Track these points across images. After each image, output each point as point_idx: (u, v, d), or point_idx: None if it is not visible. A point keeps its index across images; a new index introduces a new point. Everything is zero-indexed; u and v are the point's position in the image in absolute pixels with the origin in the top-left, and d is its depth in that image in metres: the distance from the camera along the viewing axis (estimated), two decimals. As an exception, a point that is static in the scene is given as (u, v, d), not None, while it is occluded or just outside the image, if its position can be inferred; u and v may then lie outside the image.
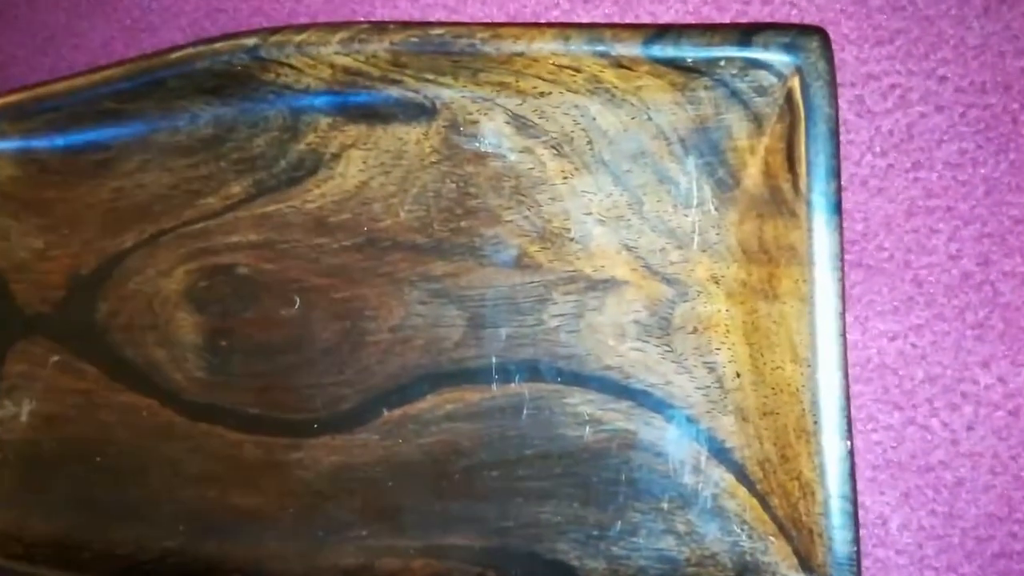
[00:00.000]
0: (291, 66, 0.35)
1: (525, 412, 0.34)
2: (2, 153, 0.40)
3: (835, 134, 0.28)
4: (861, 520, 0.32)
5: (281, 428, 0.37)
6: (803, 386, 0.29)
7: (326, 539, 0.36)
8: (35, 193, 0.41)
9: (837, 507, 0.29)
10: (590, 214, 0.34)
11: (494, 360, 0.35)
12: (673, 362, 0.33)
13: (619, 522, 0.33)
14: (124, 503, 0.39)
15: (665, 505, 0.32)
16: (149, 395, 0.39)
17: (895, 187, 0.31)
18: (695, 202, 0.32)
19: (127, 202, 0.39)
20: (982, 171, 0.30)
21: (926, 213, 0.31)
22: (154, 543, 0.38)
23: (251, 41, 0.34)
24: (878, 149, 0.32)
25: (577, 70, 0.32)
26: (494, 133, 0.34)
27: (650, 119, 0.32)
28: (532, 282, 0.34)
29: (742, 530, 0.31)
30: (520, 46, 0.32)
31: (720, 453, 0.32)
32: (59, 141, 0.39)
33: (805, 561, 0.30)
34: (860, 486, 0.31)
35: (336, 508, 0.36)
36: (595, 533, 0.33)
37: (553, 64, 0.32)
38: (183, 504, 0.38)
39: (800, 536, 0.30)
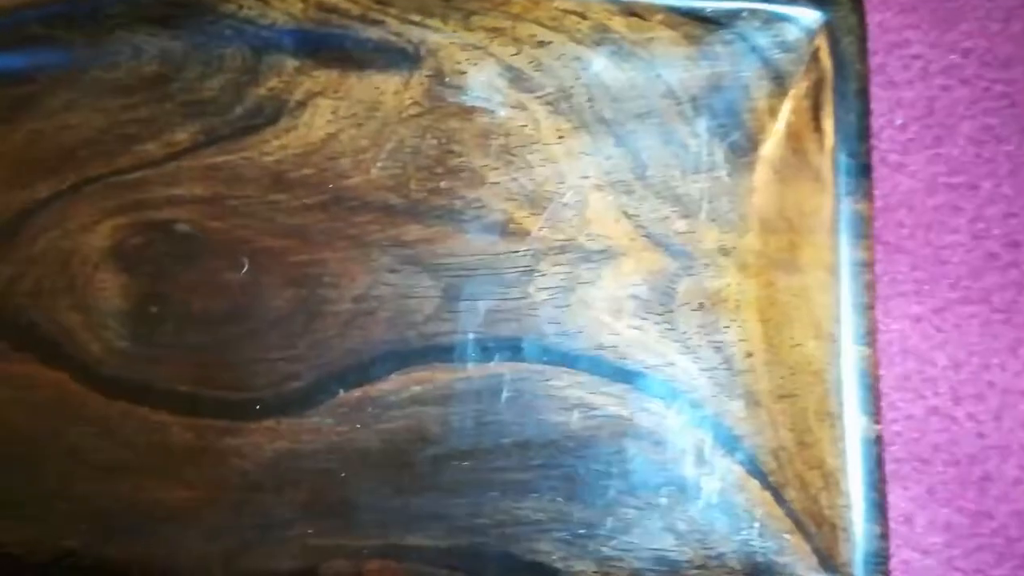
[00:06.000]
0: (256, -5, 0.33)
1: (504, 395, 0.33)
2: None
3: (866, 92, 0.30)
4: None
5: (217, 410, 0.34)
6: (828, 364, 0.30)
7: (261, 538, 0.34)
8: (-70, 131, 0.37)
9: (864, 497, 0.29)
10: (587, 178, 0.33)
11: (471, 337, 0.33)
12: (675, 341, 0.33)
13: (610, 519, 0.32)
14: (14, 497, 0.35)
15: (663, 500, 0.32)
16: (57, 367, 0.35)
17: (916, 162, 0.33)
18: (705, 167, 0.33)
19: (46, 146, 0.36)
20: (1006, 148, 0.32)
21: (948, 190, 0.32)
22: (48, 543, 0.35)
23: (210, -38, 0.33)
24: (899, 122, 0.33)
25: (583, 16, 0.32)
26: (484, 86, 0.34)
27: (659, 75, 0.33)
28: (518, 251, 0.33)
29: (753, 527, 0.31)
30: (522, -14, 0.32)
31: (728, 442, 0.32)
32: (-16, 65, 0.36)
33: (826, 559, 0.30)
34: (883, 478, 0.32)
35: (276, 503, 0.34)
36: (582, 532, 0.32)
37: (557, 8, 0.32)
38: (86, 499, 0.35)
39: (820, 532, 0.30)
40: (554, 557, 0.32)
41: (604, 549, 0.32)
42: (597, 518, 0.32)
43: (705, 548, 0.31)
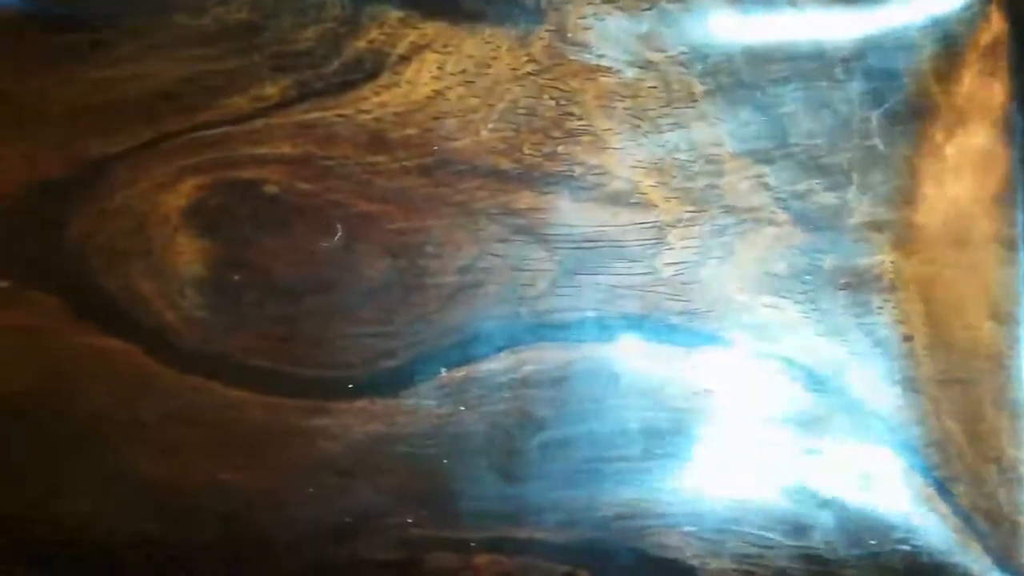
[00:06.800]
0: (360, -62, 0.32)
1: (625, 378, 0.32)
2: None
3: (1052, 52, 0.28)
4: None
5: (303, 388, 0.33)
6: (1008, 348, 0.29)
7: (353, 527, 0.33)
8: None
9: (1053, 492, 0.28)
10: (721, 145, 0.32)
11: (589, 314, 0.32)
12: (819, 322, 0.31)
13: (748, 513, 0.31)
14: (73, 477, 0.34)
15: (808, 493, 0.31)
16: (128, 339, 0.34)
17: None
18: (856, 136, 0.31)
19: (124, 96, 0.35)
20: None
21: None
22: (106, 527, 0.34)
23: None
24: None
25: (726, -31, 0.31)
26: (610, 43, 0.32)
27: (807, 34, 0.32)
28: (643, 223, 0.32)
29: (914, 525, 0.30)
30: (660, -66, 0.31)
31: (883, 432, 0.30)
32: (52, 8, 0.35)
33: (1003, 560, 0.29)
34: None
35: (370, 490, 0.33)
36: (717, 526, 0.31)
37: (698, -39, 0.31)
38: (154, 481, 0.34)
39: (996, 530, 0.29)
40: (687, 554, 0.31)
41: (743, 545, 0.31)
42: (733, 512, 0.31)
43: (859, 546, 0.30)
